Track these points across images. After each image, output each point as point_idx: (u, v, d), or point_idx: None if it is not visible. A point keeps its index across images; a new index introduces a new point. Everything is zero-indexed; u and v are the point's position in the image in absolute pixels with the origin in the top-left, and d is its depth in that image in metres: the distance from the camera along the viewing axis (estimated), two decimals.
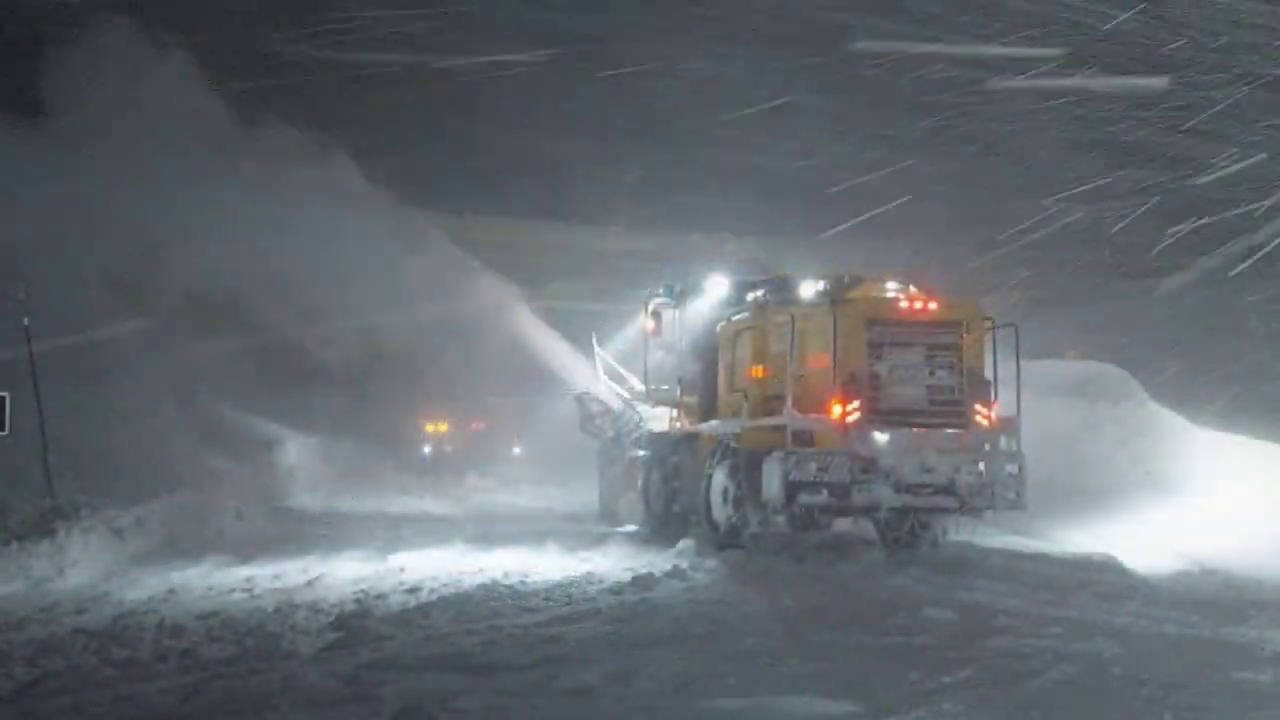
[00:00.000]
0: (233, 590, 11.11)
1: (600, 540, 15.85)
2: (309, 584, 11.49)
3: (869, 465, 12.61)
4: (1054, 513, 18.00)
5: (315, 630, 8.85)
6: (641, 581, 11.58)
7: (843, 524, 14.47)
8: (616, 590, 11.00)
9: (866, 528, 14.45)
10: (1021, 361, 19.22)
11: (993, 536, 15.83)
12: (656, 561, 13.43)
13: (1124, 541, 15.16)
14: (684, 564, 12.96)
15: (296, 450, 25.71)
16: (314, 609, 9.77)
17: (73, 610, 9.78)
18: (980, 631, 8.83)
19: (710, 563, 13.02)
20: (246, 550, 14.46)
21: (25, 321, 13.36)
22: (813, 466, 12.58)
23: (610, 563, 13.54)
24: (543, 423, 27.58)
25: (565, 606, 10.03)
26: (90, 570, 12.16)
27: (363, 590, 10.90)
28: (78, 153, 17.33)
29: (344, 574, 12.25)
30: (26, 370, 13.36)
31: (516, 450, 36.37)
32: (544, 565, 13.16)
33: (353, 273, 20.27)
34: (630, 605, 10.10)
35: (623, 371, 19.20)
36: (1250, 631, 9.09)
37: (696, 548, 14.17)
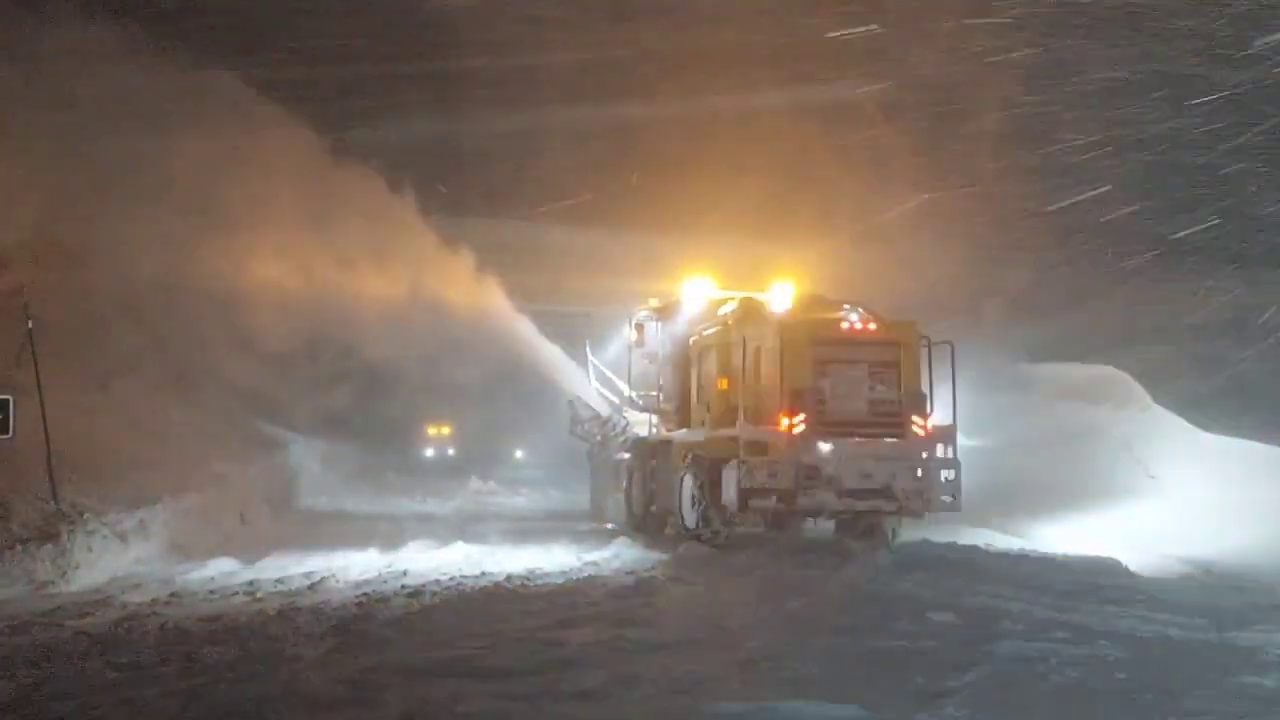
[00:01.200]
0: (236, 593, 11.12)
1: (603, 543, 15.87)
2: (312, 587, 11.50)
3: (813, 472, 13.70)
4: (1058, 516, 18.02)
5: (318, 634, 8.85)
6: (644, 585, 11.58)
7: (811, 523, 15.34)
8: (619, 594, 10.99)
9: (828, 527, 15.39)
10: (1026, 365, 19.62)
11: (995, 540, 15.85)
12: (659, 565, 13.45)
13: (1128, 545, 15.16)
14: (686, 568, 12.96)
15: (300, 453, 25.73)
16: (317, 612, 9.77)
17: (76, 614, 9.79)
18: (984, 635, 8.81)
19: (713, 567, 13.02)
20: (250, 553, 14.48)
21: (29, 325, 13.36)
22: (763, 474, 13.77)
23: (613, 566, 13.56)
24: (544, 426, 27.60)
25: (568, 610, 10.02)
26: (93, 574, 12.17)
27: (365, 594, 10.91)
28: (78, 147, 17.33)
29: (347, 577, 12.27)
30: (30, 373, 13.36)
31: (519, 453, 36.43)
32: (547, 568, 13.18)
33: (359, 275, 20.34)
34: (633, 609, 10.10)
35: (613, 378, 19.73)
36: (1255, 635, 9.07)
37: (701, 551, 14.20)
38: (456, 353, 22.62)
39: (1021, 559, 13.76)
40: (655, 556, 14.35)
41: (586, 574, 12.76)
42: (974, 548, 14.48)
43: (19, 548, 11.83)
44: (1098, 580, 11.96)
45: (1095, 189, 21.47)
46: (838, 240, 22.54)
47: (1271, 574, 12.82)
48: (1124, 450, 19.46)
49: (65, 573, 11.87)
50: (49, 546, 12.00)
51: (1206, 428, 18.31)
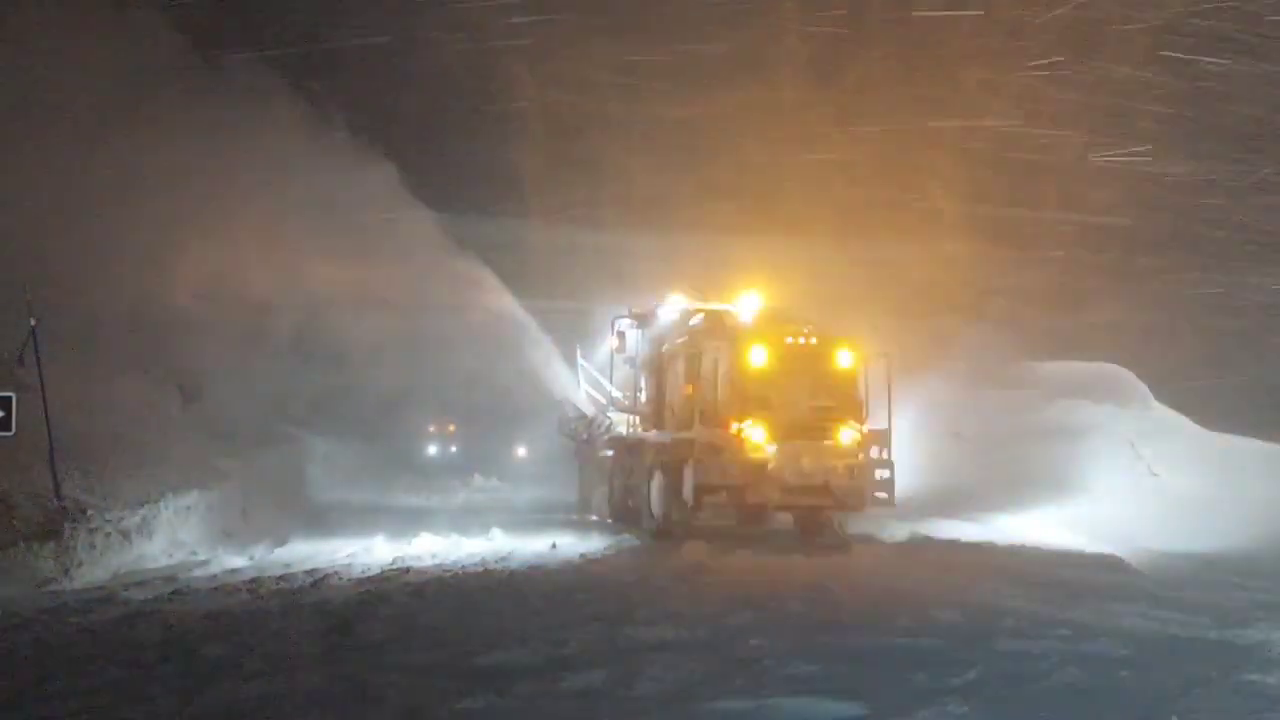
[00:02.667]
0: (238, 591, 11.12)
1: (607, 539, 15.92)
2: (315, 584, 11.50)
3: (760, 471, 15.21)
4: (1061, 512, 18.01)
5: (320, 632, 8.84)
6: (646, 583, 11.58)
7: (784, 519, 16.96)
8: (622, 592, 10.98)
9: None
10: (1028, 363, 20.02)
11: (979, 533, 15.87)
12: (662, 563, 13.44)
13: (1130, 542, 15.15)
14: (688, 567, 12.95)
15: (305, 450, 25.74)
16: (319, 610, 9.77)
17: (78, 611, 9.78)
18: (987, 633, 8.81)
19: (717, 565, 13.02)
20: (253, 550, 14.50)
21: (33, 322, 13.36)
22: (716, 472, 15.38)
23: (617, 564, 13.56)
24: (546, 424, 27.64)
25: (570, 609, 10.01)
26: (96, 571, 12.18)
27: (368, 591, 10.91)
28: (82, 143, 17.33)
29: (350, 574, 12.28)
30: (33, 369, 13.35)
31: (521, 450, 36.46)
32: (550, 565, 13.18)
33: (365, 271, 20.44)
34: (636, 607, 10.07)
35: (602, 380, 20.76)
36: (1257, 633, 9.05)
37: (703, 550, 14.22)
38: (463, 351, 22.72)
39: (1024, 556, 13.77)
40: (659, 555, 14.35)
41: (590, 571, 12.76)
42: (977, 545, 14.52)
43: (21, 545, 11.84)
44: (1100, 577, 11.96)
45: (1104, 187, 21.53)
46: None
47: (1274, 571, 12.81)
48: (1127, 447, 19.46)
49: (68, 570, 11.88)
50: (51, 544, 12.00)
51: (1209, 425, 18.30)
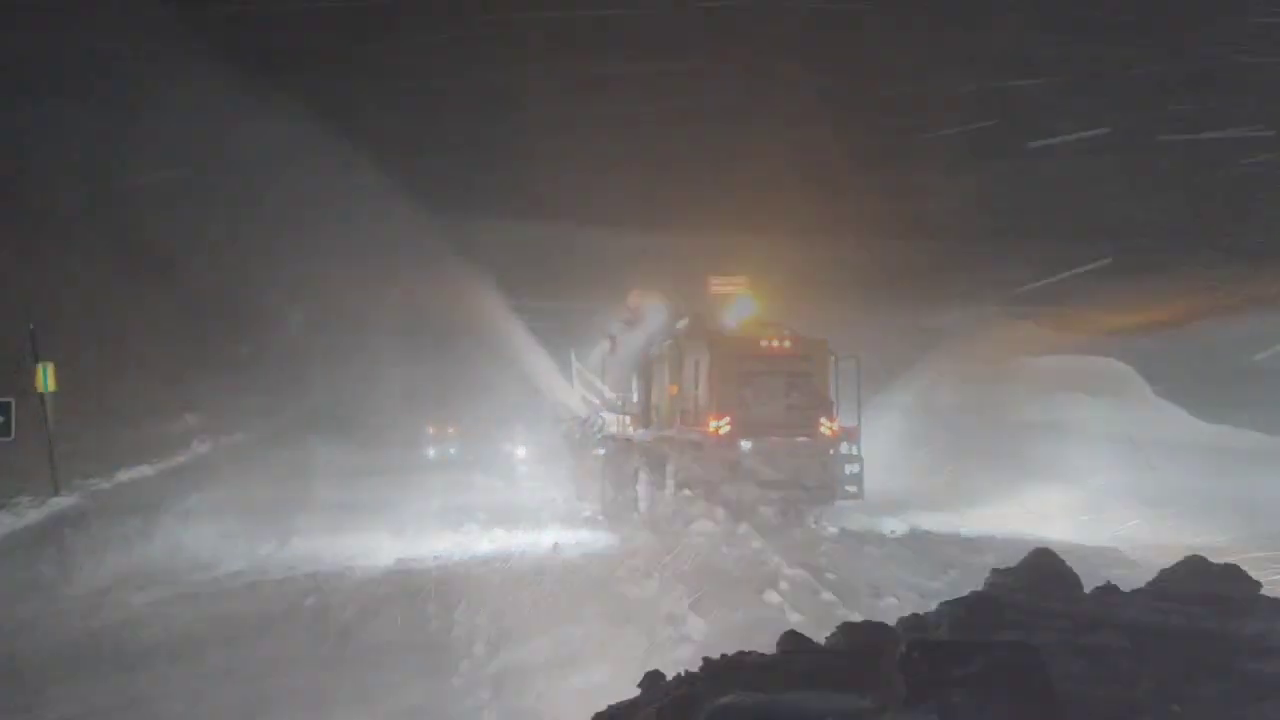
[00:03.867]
0: (239, 594, 11.13)
1: (609, 538, 15.92)
2: (316, 587, 11.51)
3: (735, 466, 15.89)
4: (1060, 506, 18.03)
5: (322, 633, 8.87)
6: (650, 582, 11.59)
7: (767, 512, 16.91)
8: (625, 591, 11.00)
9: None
10: (1025, 358, 19.99)
11: (994, 529, 15.90)
12: (664, 560, 13.46)
13: (1129, 534, 15.19)
14: (687, 563, 12.97)
15: (307, 452, 25.69)
16: (321, 612, 9.78)
17: (80, 615, 9.80)
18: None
19: (719, 560, 13.03)
20: (254, 553, 14.49)
21: (31, 326, 13.37)
22: (695, 468, 16.05)
23: (619, 563, 13.56)
24: (546, 425, 27.67)
25: (573, 607, 10.02)
26: (98, 575, 12.18)
27: (369, 593, 10.92)
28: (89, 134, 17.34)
29: (351, 576, 12.28)
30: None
31: (520, 451, 36.46)
32: (552, 565, 13.17)
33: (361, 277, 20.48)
34: (639, 605, 10.11)
35: (595, 381, 21.43)
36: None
37: (703, 545, 14.24)
38: (463, 353, 22.79)
39: (1024, 547, 13.77)
40: (660, 552, 14.35)
41: (592, 569, 12.77)
42: (974, 538, 14.54)
43: (23, 549, 11.86)
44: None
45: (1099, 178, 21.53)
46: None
47: (1272, 562, 12.84)
48: (1125, 441, 19.49)
49: (70, 574, 11.89)
50: (53, 547, 12.03)
51: (1207, 418, 18.32)
